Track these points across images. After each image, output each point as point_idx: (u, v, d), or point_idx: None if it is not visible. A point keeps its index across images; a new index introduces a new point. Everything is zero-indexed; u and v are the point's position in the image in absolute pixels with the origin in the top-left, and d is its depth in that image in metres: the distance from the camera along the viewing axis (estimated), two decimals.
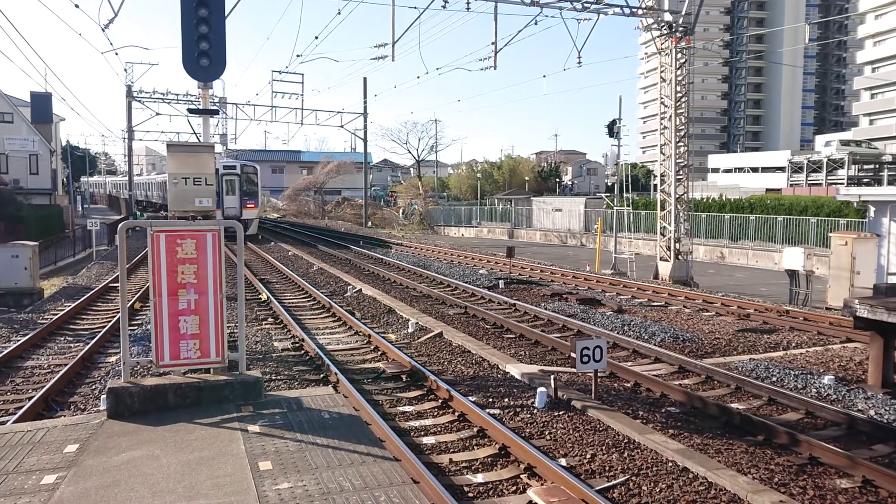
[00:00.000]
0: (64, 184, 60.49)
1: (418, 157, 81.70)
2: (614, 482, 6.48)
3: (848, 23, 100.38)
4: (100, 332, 13.62)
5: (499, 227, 52.33)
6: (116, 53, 65.37)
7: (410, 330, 13.69)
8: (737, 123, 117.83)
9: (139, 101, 47.85)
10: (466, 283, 20.26)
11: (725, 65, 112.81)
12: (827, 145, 68.52)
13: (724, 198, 41.92)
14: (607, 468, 6.81)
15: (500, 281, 20.41)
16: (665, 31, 23.00)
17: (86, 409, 9.09)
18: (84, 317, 16.07)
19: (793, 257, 19.31)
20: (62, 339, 13.71)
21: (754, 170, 74.75)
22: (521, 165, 77.40)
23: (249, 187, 35.49)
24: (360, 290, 18.86)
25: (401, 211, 66.76)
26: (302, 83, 44.18)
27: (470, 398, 8.88)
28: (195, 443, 5.98)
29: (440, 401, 8.99)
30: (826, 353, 11.91)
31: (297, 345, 12.47)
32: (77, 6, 19.25)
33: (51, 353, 12.56)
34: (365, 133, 57.73)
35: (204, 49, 7.82)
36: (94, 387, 10.12)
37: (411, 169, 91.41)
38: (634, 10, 22.61)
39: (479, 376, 10.27)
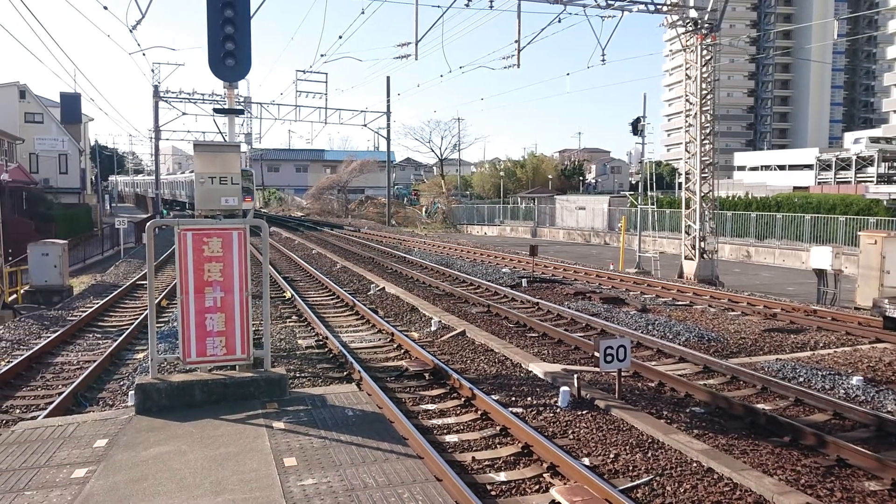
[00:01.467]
0: (92, 183, 61.46)
1: (441, 155, 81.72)
2: (638, 482, 6.45)
3: (878, 18, 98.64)
4: (127, 328, 13.83)
5: (522, 226, 52.20)
6: (144, 54, 66.03)
7: (433, 328, 13.72)
8: (763, 121, 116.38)
9: (166, 101, 48.42)
10: (489, 281, 20.24)
11: (752, 61, 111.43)
12: (856, 142, 67.50)
13: (750, 196, 41.48)
14: (631, 468, 6.78)
15: (523, 279, 20.37)
16: (690, 28, 22.78)
17: (114, 404, 9.24)
18: (112, 314, 16.33)
19: (821, 256, 19.04)
20: (91, 335, 13.94)
21: (781, 168, 73.82)
22: (545, 164, 77.11)
23: (247, 185, 41.45)
24: (383, 288, 18.94)
25: (424, 209, 66.84)
26: (326, 82, 44.58)
27: (493, 397, 8.88)
28: (221, 439, 6.06)
29: (463, 399, 9.00)
30: (854, 354, 11.73)
31: (321, 343, 12.55)
32: (106, 8, 19.52)
33: (80, 349, 12.77)
34: (388, 132, 57.92)
35: (229, 49, 7.90)
36: (122, 383, 10.28)
37: (434, 167, 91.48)
38: (659, 6, 22.42)
39: (502, 375, 10.26)
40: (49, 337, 13.26)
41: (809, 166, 68.13)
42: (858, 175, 61.36)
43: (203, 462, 5.56)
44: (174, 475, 5.32)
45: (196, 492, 5.03)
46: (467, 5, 20.57)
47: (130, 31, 19.37)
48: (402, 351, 11.86)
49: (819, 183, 64.52)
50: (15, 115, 47.08)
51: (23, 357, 11.48)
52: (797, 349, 12.29)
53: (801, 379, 10.10)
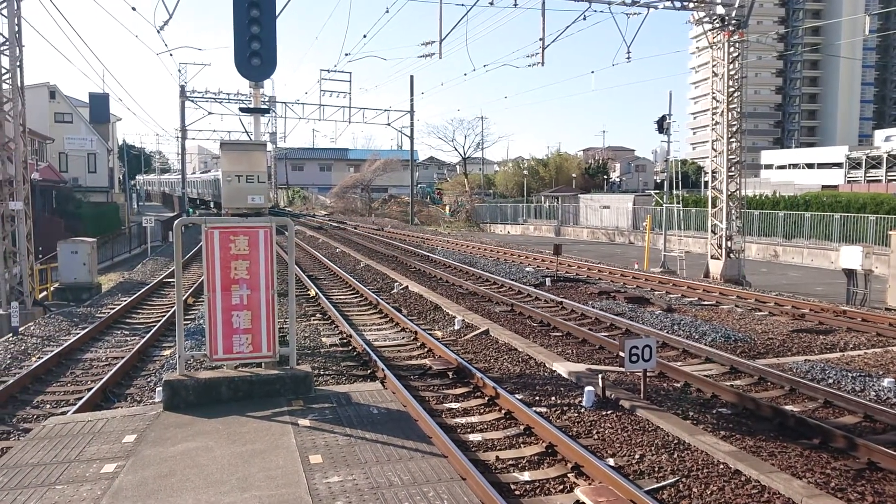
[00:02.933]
0: (120, 182, 62.32)
1: (464, 154, 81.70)
2: (664, 483, 6.39)
3: None
4: (155, 325, 14.00)
5: (545, 225, 52.02)
6: (171, 54, 66.87)
7: (457, 327, 13.71)
8: (791, 118, 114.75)
9: (192, 101, 48.99)
10: (513, 280, 20.19)
11: (780, 58, 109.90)
12: (887, 140, 66.33)
13: (777, 195, 40.95)
14: (656, 469, 6.72)
15: (547, 278, 20.29)
16: (717, 25, 22.53)
17: (142, 400, 9.36)
18: (140, 311, 16.55)
19: (850, 256, 18.75)
20: (119, 332, 14.14)
21: (809, 166, 72.78)
22: (568, 162, 76.78)
23: None
24: (407, 286, 18.97)
25: (447, 208, 66.86)
26: (350, 82, 44.94)
27: (516, 396, 8.85)
28: (247, 435, 6.11)
29: (487, 398, 8.99)
30: (886, 355, 11.52)
31: (345, 341, 12.61)
32: (134, 9, 19.80)
33: (108, 345, 12.96)
34: (412, 131, 58.01)
35: (255, 49, 7.96)
36: (149, 379, 10.41)
37: (457, 166, 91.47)
38: (686, 3, 22.20)
39: (526, 374, 10.23)
40: (78, 333, 13.47)
41: (839, 164, 67.09)
42: (889, 173, 60.25)
43: (230, 458, 5.61)
44: (201, 471, 5.38)
45: (223, 488, 5.07)
46: (491, 3, 20.53)
47: (158, 32, 19.60)
48: (426, 349, 11.88)
49: (849, 181, 63.52)
50: (45, 116, 47.87)
51: (53, 353, 11.68)
52: (826, 350, 12.11)
53: (831, 380, 9.95)
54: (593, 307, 15.57)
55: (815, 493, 6.04)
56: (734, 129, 22.98)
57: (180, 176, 58.67)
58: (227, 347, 7.09)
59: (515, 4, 20.74)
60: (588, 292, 18.24)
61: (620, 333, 13.15)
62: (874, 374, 10.25)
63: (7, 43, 16.76)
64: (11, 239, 17.36)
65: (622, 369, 9.43)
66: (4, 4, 16.55)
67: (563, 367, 10.32)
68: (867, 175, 63.03)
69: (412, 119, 56.72)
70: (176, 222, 7.26)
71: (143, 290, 18.86)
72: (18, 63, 17.03)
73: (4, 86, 16.94)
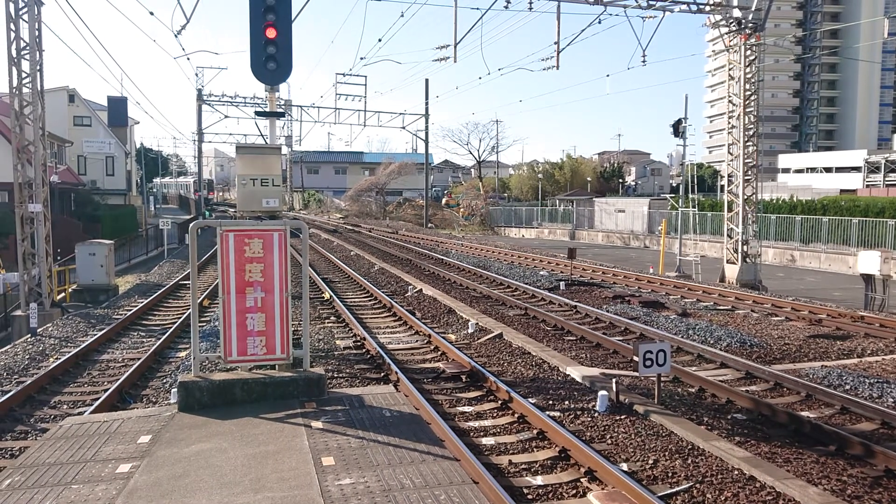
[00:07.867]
0: (138, 184, 62.85)
1: (479, 157, 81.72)
2: (677, 489, 6.35)
3: None
4: (170, 327, 14.11)
5: (560, 228, 51.89)
6: (188, 58, 67.62)
7: (470, 330, 13.71)
8: (809, 122, 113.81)
9: (209, 105, 49.37)
10: (526, 284, 20.15)
11: (797, 61, 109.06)
12: None
13: (794, 199, 40.63)
14: (670, 474, 6.68)
15: (561, 282, 20.23)
16: (734, 28, 22.40)
17: (157, 401, 9.44)
18: (155, 313, 16.67)
19: (868, 261, 18.56)
20: (135, 333, 14.26)
21: (827, 170, 72.13)
22: (583, 166, 76.53)
23: None
24: (421, 290, 18.99)
25: (461, 211, 66.87)
26: (365, 85, 45.03)
27: (530, 400, 8.83)
28: (261, 437, 6.14)
29: (500, 402, 8.98)
30: None
31: (359, 343, 12.64)
32: (152, 13, 20.04)
33: (125, 347, 13.08)
34: (426, 134, 58.05)
35: (271, 53, 8.03)
36: (164, 380, 10.49)
37: (472, 170, 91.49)
38: (702, 6, 22.09)
39: (539, 378, 10.21)
40: (95, 335, 13.60)
41: (857, 168, 66.46)
42: None
43: (243, 460, 5.64)
44: (215, 472, 5.41)
45: (236, 489, 5.10)
46: (506, 7, 20.52)
47: (175, 36, 19.79)
48: (439, 353, 11.88)
49: (867, 186, 62.88)
50: (64, 119, 48.37)
51: (70, 354, 11.80)
52: (843, 356, 11.98)
53: (848, 386, 9.84)
54: (607, 311, 15.50)
55: (831, 501, 5.98)
56: (751, 132, 22.83)
57: (196, 179, 59.16)
58: (242, 349, 7.14)
59: (531, 8, 20.73)
60: (602, 296, 18.17)
61: (635, 338, 13.09)
62: (892, 380, 10.13)
63: (28, 47, 16.98)
64: (31, 241, 17.57)
65: (636, 374, 9.39)
66: (25, 9, 16.77)
67: (576, 372, 10.28)
68: (886, 179, 62.38)
69: (427, 122, 56.80)
70: (191, 225, 7.32)
71: (159, 292, 19.01)
72: (39, 67, 17.25)
73: (25, 89, 17.16)
